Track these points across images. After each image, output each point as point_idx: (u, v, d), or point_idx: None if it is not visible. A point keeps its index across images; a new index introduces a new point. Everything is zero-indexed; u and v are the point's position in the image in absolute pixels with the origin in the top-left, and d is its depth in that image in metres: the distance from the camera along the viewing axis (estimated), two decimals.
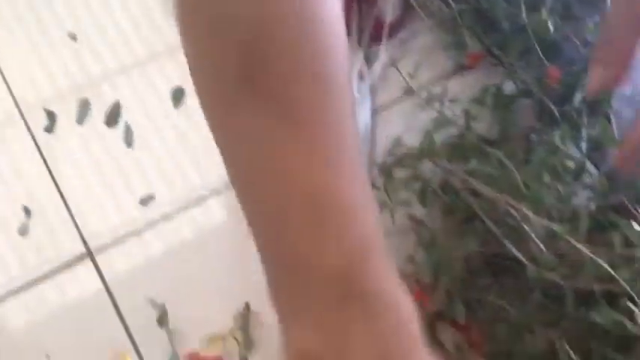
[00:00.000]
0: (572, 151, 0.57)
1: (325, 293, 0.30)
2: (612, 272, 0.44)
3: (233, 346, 0.50)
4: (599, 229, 0.51)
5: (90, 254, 0.54)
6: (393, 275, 0.31)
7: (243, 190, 0.33)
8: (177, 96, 0.60)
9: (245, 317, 0.51)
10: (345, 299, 0.30)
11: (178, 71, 0.61)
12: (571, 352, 0.43)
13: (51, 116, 0.59)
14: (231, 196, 0.57)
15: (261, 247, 0.32)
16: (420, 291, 0.50)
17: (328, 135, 0.31)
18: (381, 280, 0.31)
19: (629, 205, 0.53)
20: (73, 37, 0.62)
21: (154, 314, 0.51)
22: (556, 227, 0.46)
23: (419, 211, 0.55)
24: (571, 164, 0.56)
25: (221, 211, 0.56)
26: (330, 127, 0.31)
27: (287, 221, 0.30)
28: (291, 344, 0.31)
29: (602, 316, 0.43)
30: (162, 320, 0.50)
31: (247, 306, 0.51)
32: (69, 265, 0.54)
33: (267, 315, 0.52)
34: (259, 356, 0.50)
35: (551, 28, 0.60)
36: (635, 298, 0.43)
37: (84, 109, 0.59)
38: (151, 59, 0.61)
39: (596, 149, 0.58)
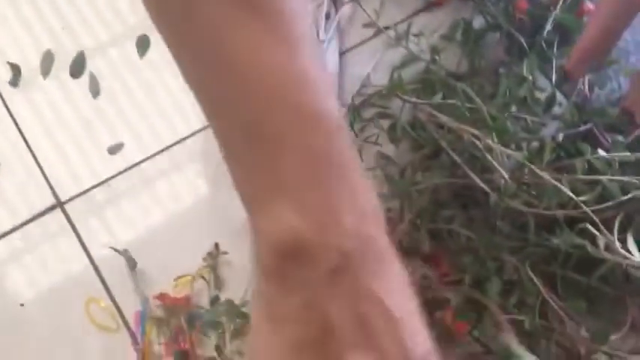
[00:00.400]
0: (542, 82, 0.57)
1: (303, 169, 0.30)
2: (573, 196, 0.43)
3: (202, 286, 0.51)
4: (567, 157, 0.51)
5: (60, 204, 0.54)
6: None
7: (206, 81, 0.31)
8: (142, 44, 0.59)
9: (214, 257, 0.51)
10: (325, 174, 0.30)
11: (142, 19, 0.60)
12: (533, 277, 0.43)
13: (15, 69, 0.58)
14: (198, 142, 0.57)
15: (227, 137, 0.31)
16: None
17: (294, 25, 0.31)
18: (351, 158, 0.31)
19: (597, 132, 0.52)
20: None
21: (125, 260, 0.52)
22: (518, 155, 0.46)
23: (387, 149, 0.55)
24: (541, 95, 0.56)
25: (188, 157, 0.56)
26: (296, 20, 0.31)
27: (259, 104, 0.30)
28: (268, 228, 0.30)
29: (562, 239, 0.43)
30: (132, 265, 0.51)
31: (217, 246, 0.52)
32: (40, 216, 0.54)
33: (236, 254, 0.52)
34: (229, 295, 0.50)
35: None
36: (597, 221, 0.43)
37: (48, 61, 0.58)
38: (114, 8, 0.60)
39: (567, 79, 0.57)
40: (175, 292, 0.50)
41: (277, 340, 0.30)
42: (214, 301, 0.50)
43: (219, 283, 0.50)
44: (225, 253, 0.51)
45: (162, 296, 0.49)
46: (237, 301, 0.49)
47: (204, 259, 0.51)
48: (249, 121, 0.30)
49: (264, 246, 0.30)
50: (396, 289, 0.31)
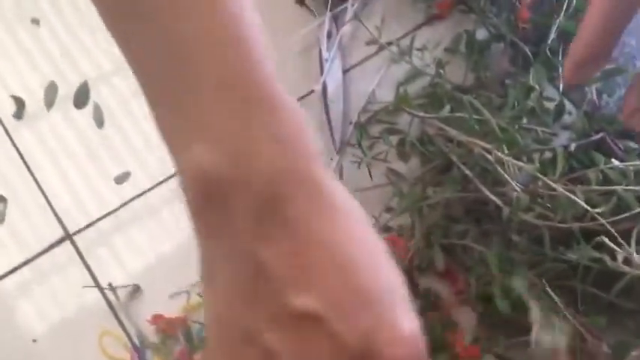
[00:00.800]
0: (550, 91, 0.56)
1: (220, 101, 0.27)
2: (589, 208, 0.43)
3: (198, 303, 0.50)
4: (580, 167, 0.50)
5: (69, 237, 0.54)
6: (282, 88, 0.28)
7: (124, 25, 0.30)
8: None
9: None
10: (243, 105, 0.26)
11: None
12: (551, 292, 0.42)
13: (19, 102, 0.58)
14: None
15: (144, 78, 0.29)
16: (397, 238, 0.50)
17: None
18: (275, 86, 0.27)
19: (609, 140, 0.52)
20: (36, 22, 0.61)
21: (134, 289, 0.51)
22: (529, 168, 0.45)
23: (396, 165, 0.55)
24: (549, 105, 0.55)
25: None
26: None
27: (174, 35, 0.27)
28: (188, 169, 0.27)
29: (580, 254, 0.42)
30: (136, 294, 0.51)
31: None
32: (49, 249, 0.53)
33: None
34: None
35: None
36: (614, 233, 0.42)
37: (52, 92, 0.58)
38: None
39: (574, 88, 0.57)
40: (170, 312, 0.49)
41: (212, 293, 0.27)
42: None
43: None
44: None
45: (155, 318, 0.48)
46: None
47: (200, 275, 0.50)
48: (165, 55, 0.27)
49: (187, 188, 0.27)
50: (338, 224, 0.26)
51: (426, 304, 0.49)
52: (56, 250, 0.53)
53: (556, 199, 0.45)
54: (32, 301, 0.52)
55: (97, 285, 0.52)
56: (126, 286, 0.51)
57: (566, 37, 0.57)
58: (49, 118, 0.58)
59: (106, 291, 0.51)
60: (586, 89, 0.56)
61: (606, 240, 0.41)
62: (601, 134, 0.53)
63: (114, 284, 0.52)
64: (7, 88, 0.59)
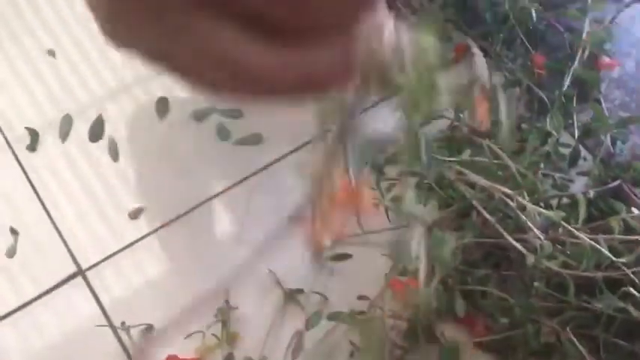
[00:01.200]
0: (565, 138, 0.57)
1: None
2: (614, 258, 0.43)
3: (214, 344, 0.49)
4: (600, 215, 0.51)
5: (81, 272, 0.53)
6: None
7: None
8: (161, 107, 0.59)
9: (225, 313, 0.49)
10: None
11: (160, 81, 0.60)
12: (576, 341, 0.42)
13: (33, 134, 0.57)
14: (221, 202, 0.56)
15: None
16: (415, 282, 0.49)
17: None
18: None
19: (627, 189, 0.52)
20: (52, 54, 0.61)
21: (147, 328, 0.50)
22: (553, 215, 0.45)
23: (414, 208, 0.54)
24: (564, 151, 0.56)
25: (209, 219, 0.55)
26: None
27: None
28: None
29: (605, 303, 0.42)
30: (150, 334, 0.49)
31: (227, 302, 0.50)
32: (60, 284, 0.52)
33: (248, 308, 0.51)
34: (244, 350, 0.49)
35: (534, 16, 0.59)
36: (638, 283, 0.42)
37: (67, 125, 0.58)
38: (132, 70, 0.60)
39: (589, 134, 0.57)
40: (185, 352, 0.48)
41: None
42: (228, 359, 0.48)
43: (231, 339, 0.49)
44: (236, 307, 0.50)
45: (169, 359, 0.47)
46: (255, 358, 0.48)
47: (215, 316, 0.49)
48: None
49: None
50: None
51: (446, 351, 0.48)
52: (68, 285, 0.52)
53: (579, 247, 0.45)
54: (42, 339, 0.50)
55: (110, 324, 0.51)
56: (139, 325, 0.50)
57: (580, 83, 0.58)
58: (63, 150, 0.57)
59: (119, 330, 0.50)
60: (602, 137, 0.57)
61: (633, 290, 0.41)
62: (618, 181, 0.53)
63: (127, 323, 0.50)
64: (21, 120, 0.58)
